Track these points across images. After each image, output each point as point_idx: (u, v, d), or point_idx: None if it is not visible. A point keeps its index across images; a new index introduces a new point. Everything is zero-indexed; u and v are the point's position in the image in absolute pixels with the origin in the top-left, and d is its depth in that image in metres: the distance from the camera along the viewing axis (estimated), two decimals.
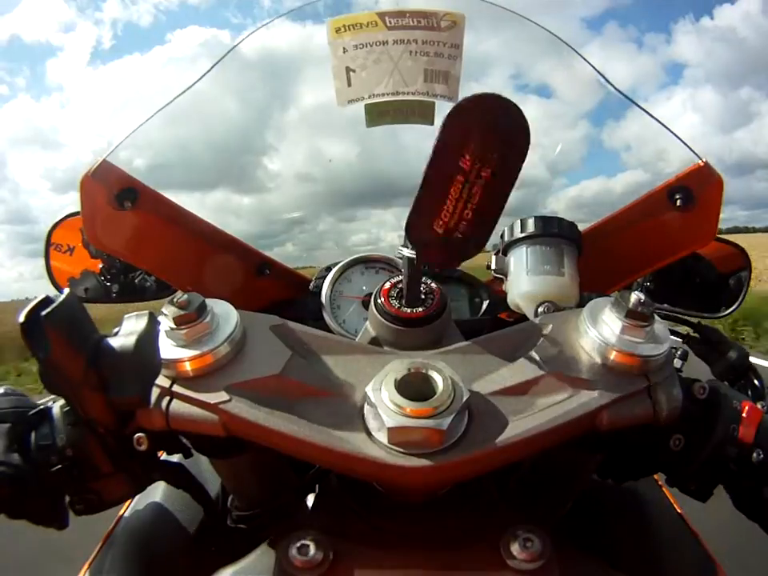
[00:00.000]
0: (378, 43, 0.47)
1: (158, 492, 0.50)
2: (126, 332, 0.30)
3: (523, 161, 0.29)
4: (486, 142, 0.28)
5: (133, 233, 0.52)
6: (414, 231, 0.32)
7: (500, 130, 0.28)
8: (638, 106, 0.52)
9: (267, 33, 0.50)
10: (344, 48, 0.47)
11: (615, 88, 0.52)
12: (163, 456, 0.39)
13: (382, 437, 0.30)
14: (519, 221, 0.48)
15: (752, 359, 0.54)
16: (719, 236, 0.61)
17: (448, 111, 0.28)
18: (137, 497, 0.49)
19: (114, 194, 0.50)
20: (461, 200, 0.30)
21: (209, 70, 0.49)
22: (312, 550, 0.32)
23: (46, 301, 0.28)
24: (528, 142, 0.28)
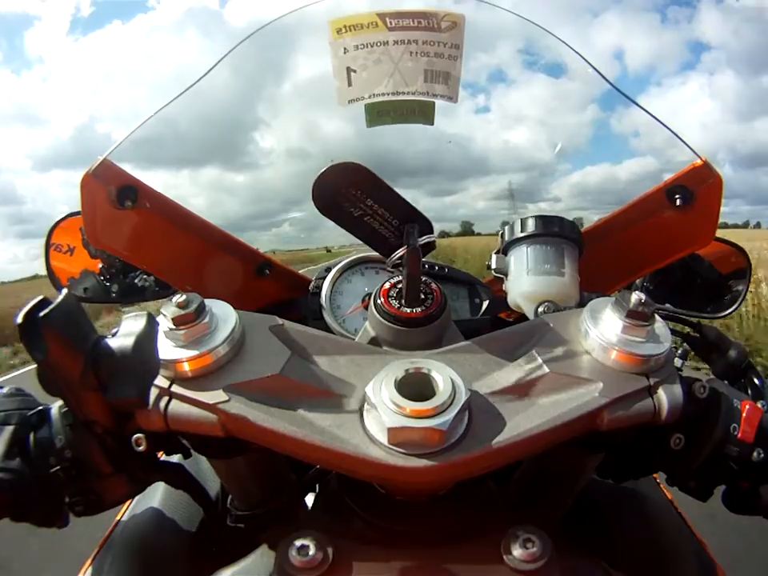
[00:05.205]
0: (378, 44, 0.47)
1: (157, 493, 0.50)
2: (125, 333, 0.30)
3: (374, 173, 0.37)
4: (350, 190, 0.37)
5: (133, 232, 0.52)
6: (386, 256, 0.40)
7: (352, 178, 0.37)
8: (639, 105, 0.51)
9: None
10: (345, 48, 0.47)
11: (616, 88, 0.52)
12: (162, 456, 0.39)
13: (382, 437, 0.30)
14: (519, 220, 0.48)
15: None
16: (718, 236, 0.61)
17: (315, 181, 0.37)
18: (136, 497, 0.49)
19: (115, 192, 0.50)
20: (383, 221, 0.38)
21: (207, 72, 0.49)
22: (312, 550, 0.32)
23: (44, 302, 0.28)
24: (368, 170, 0.37)
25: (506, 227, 0.49)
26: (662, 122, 0.51)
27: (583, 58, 0.49)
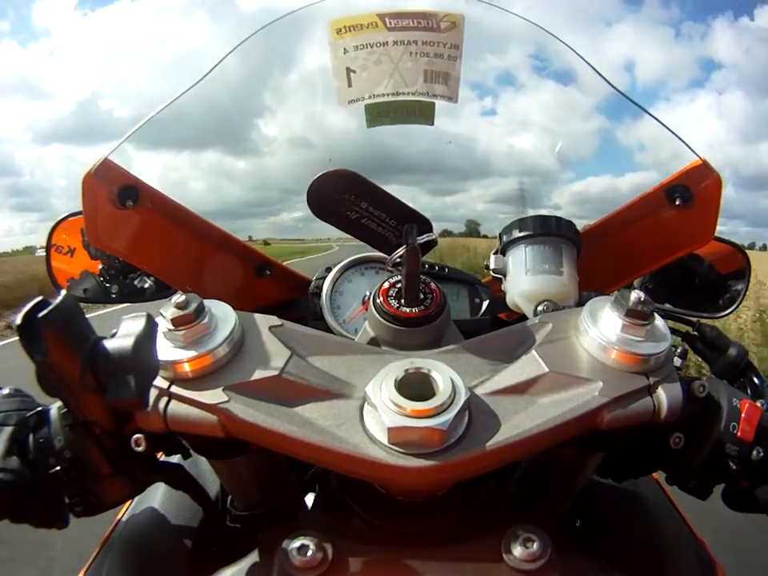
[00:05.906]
0: (378, 44, 0.47)
1: (157, 493, 0.50)
2: (124, 333, 0.30)
3: (366, 179, 0.38)
4: (344, 195, 0.38)
5: (134, 231, 0.52)
6: (388, 254, 0.40)
7: (345, 184, 0.38)
8: (637, 104, 0.52)
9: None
10: (344, 49, 0.47)
11: (616, 88, 0.52)
12: (162, 457, 0.39)
13: (382, 437, 0.30)
14: (518, 220, 0.48)
15: None
16: (718, 236, 0.61)
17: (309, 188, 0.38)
18: (136, 498, 0.49)
19: (116, 192, 0.50)
20: (380, 222, 0.39)
21: (213, 68, 0.49)
22: (311, 550, 0.32)
23: (43, 302, 0.27)
24: (360, 177, 0.38)
25: (504, 228, 0.49)
26: (660, 121, 0.51)
27: (577, 54, 0.49)
